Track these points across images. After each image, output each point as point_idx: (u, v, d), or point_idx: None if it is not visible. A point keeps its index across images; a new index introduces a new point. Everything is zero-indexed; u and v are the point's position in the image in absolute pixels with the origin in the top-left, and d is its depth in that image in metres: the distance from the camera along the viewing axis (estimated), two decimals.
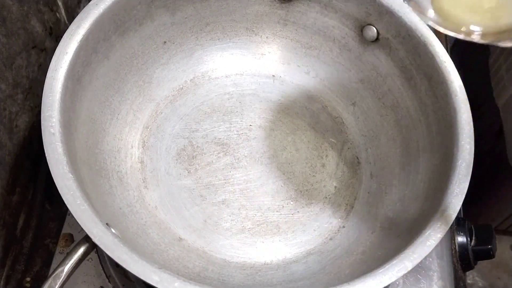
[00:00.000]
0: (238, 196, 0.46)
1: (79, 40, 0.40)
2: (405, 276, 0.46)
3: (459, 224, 0.50)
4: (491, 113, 0.79)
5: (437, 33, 0.43)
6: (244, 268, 0.43)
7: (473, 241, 0.49)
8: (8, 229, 0.43)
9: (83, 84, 0.41)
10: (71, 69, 0.39)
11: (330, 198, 0.47)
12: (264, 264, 0.43)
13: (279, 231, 0.45)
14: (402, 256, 0.34)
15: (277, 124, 0.51)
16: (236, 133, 0.50)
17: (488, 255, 0.49)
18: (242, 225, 0.45)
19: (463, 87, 0.42)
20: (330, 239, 0.45)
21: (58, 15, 0.50)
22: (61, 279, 0.32)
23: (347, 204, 0.47)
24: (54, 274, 0.32)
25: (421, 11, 0.32)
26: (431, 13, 0.32)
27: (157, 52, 0.50)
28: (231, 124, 0.51)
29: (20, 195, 0.45)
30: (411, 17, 0.45)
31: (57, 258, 0.45)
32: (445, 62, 0.43)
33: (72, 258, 0.32)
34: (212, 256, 0.43)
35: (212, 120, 0.51)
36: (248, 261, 0.43)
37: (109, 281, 0.44)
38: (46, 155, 0.34)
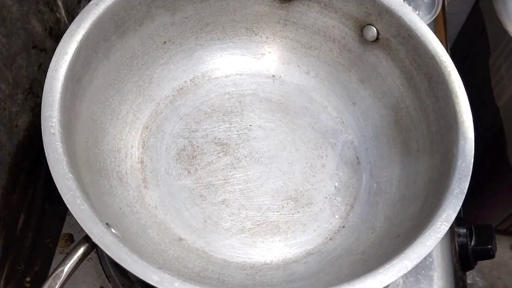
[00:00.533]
0: (238, 196, 0.46)
1: (79, 40, 0.40)
2: (405, 276, 0.46)
3: (459, 224, 0.50)
4: (491, 113, 0.79)
5: (437, 33, 0.43)
6: (244, 268, 0.43)
7: (473, 241, 0.49)
8: (8, 229, 0.43)
9: (83, 84, 0.41)
10: (71, 69, 0.39)
11: (330, 198, 0.47)
12: (264, 264, 0.43)
13: (279, 231, 0.45)
14: (402, 256, 0.34)
15: (277, 124, 0.51)
16: (236, 133, 0.50)
17: (488, 255, 0.49)
18: (242, 225, 0.45)
19: (463, 87, 0.42)
20: (330, 239, 0.45)
21: (58, 15, 0.50)
22: (61, 279, 0.32)
23: (347, 204, 0.47)
24: (54, 274, 0.32)
25: None
26: None
27: (157, 52, 0.50)
28: (231, 124, 0.51)
29: (20, 195, 0.45)
30: (411, 17, 0.45)
31: (57, 258, 0.45)
32: (445, 62, 0.43)
33: (72, 258, 0.32)
34: (212, 256, 0.43)
35: (212, 120, 0.51)
36: (248, 261, 0.43)
37: (109, 281, 0.44)
38: (46, 155, 0.34)
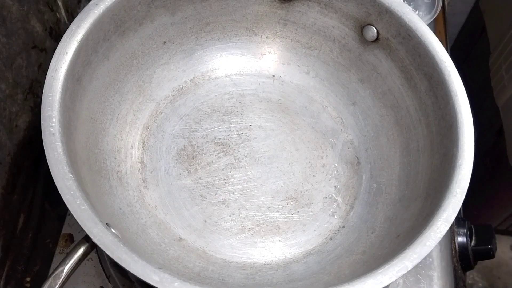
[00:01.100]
0: (238, 196, 0.46)
1: (79, 40, 0.40)
2: (405, 276, 0.46)
3: (459, 224, 0.50)
4: (491, 113, 0.79)
5: (437, 33, 0.43)
6: (244, 268, 0.43)
7: (473, 241, 0.49)
8: (8, 229, 0.43)
9: (83, 84, 0.41)
10: (71, 69, 0.39)
11: (330, 198, 0.47)
12: (264, 264, 0.43)
13: (279, 231, 0.45)
14: (402, 256, 0.34)
15: (277, 124, 0.51)
16: (236, 133, 0.50)
17: (488, 255, 0.49)
18: (242, 225, 0.45)
19: (463, 87, 0.42)
20: (330, 239, 0.45)
21: (58, 15, 0.50)
22: (61, 279, 0.32)
23: (347, 204, 0.47)
24: (54, 274, 0.32)
25: None
26: None
27: (157, 52, 0.50)
28: (231, 124, 0.51)
29: (20, 195, 0.45)
30: (411, 17, 0.45)
31: (57, 258, 0.45)
32: (445, 62, 0.43)
33: (72, 258, 0.32)
34: (212, 256, 0.43)
35: (212, 120, 0.51)
36: (248, 261, 0.43)
37: (109, 281, 0.44)
38: (46, 155, 0.34)
